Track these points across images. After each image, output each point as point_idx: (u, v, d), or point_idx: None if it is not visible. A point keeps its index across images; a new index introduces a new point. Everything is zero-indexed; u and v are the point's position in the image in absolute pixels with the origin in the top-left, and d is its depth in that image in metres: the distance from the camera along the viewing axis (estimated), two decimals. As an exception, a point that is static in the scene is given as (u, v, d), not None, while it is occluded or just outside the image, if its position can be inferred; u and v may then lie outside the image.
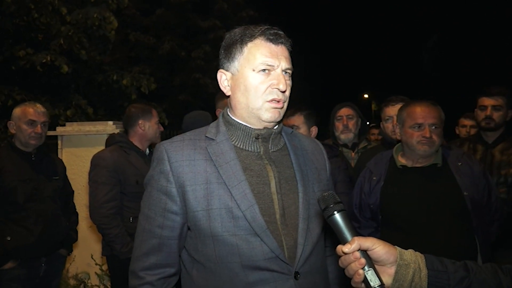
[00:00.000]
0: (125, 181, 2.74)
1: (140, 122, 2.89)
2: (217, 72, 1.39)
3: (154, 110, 2.99)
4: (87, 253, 4.15)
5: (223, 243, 1.22)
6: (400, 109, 2.17)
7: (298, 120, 2.67)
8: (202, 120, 3.18)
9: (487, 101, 2.82)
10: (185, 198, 1.26)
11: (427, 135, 1.99)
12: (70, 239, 2.87)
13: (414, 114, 2.05)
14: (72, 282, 4.18)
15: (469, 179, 2.02)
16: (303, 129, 2.67)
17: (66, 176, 2.95)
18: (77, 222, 3.00)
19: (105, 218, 2.67)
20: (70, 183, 3.02)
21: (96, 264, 4.03)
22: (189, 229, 1.30)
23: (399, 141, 2.71)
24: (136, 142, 2.90)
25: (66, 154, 4.30)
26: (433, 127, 2.02)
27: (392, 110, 2.74)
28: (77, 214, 3.02)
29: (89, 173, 2.78)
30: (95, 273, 4.06)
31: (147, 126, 2.89)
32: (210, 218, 1.23)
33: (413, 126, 2.04)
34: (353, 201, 2.27)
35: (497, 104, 2.79)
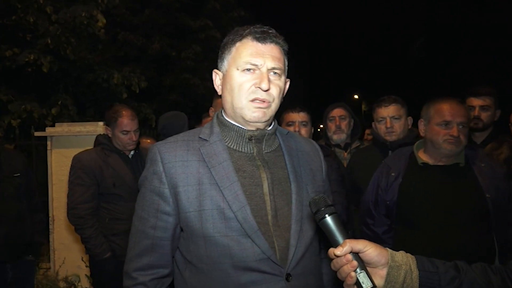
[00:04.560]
0: (102, 183, 2.75)
1: (106, 127, 2.90)
2: (210, 72, 1.40)
3: (122, 119, 2.81)
4: (77, 256, 4.12)
5: (215, 244, 1.22)
6: (426, 105, 2.08)
7: (306, 117, 2.67)
8: (178, 119, 3.20)
9: (475, 102, 2.84)
10: (177, 199, 1.26)
11: (455, 134, 1.92)
12: (36, 243, 2.75)
13: (442, 111, 1.97)
14: (62, 284, 4.13)
15: (492, 181, 1.96)
16: (309, 127, 2.68)
17: (28, 171, 2.77)
18: (43, 221, 2.88)
19: (79, 218, 2.68)
20: (33, 178, 2.84)
21: (87, 266, 3.99)
22: (182, 230, 1.30)
23: (391, 141, 2.73)
24: (117, 145, 2.89)
25: (55, 155, 4.25)
26: (461, 126, 1.95)
27: (384, 111, 2.75)
28: (44, 212, 2.89)
29: (69, 174, 2.79)
30: (86, 275, 4.02)
31: (111, 134, 2.87)
32: (202, 219, 1.23)
33: (440, 124, 1.96)
34: (368, 197, 2.21)
35: (485, 104, 2.81)
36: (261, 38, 1.27)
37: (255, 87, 1.26)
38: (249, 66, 1.26)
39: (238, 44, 1.29)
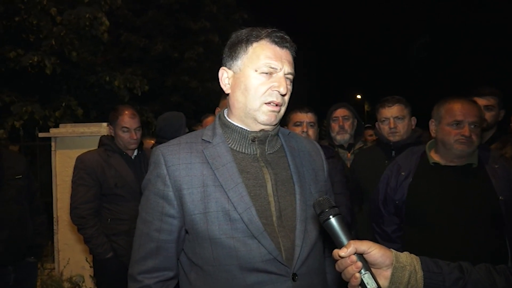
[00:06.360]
0: (104, 183, 2.77)
1: (109, 127, 2.94)
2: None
3: (123, 116, 2.85)
4: (81, 256, 4.13)
5: (221, 245, 1.22)
6: (437, 105, 2.04)
7: (313, 118, 2.65)
8: (174, 121, 3.22)
9: (479, 101, 2.79)
10: (182, 201, 1.26)
11: (467, 133, 1.87)
12: (37, 245, 2.73)
13: (453, 110, 1.93)
14: (66, 285, 4.15)
15: (506, 182, 1.90)
16: (316, 128, 2.68)
17: (29, 173, 2.74)
18: (44, 223, 2.86)
19: (81, 218, 2.71)
20: (33, 180, 2.82)
21: (91, 266, 4.00)
22: (187, 232, 1.30)
23: (395, 142, 2.73)
24: (119, 144, 2.91)
25: (59, 156, 4.27)
26: (473, 126, 1.89)
27: (388, 112, 2.74)
28: (45, 214, 2.88)
29: (72, 175, 2.82)
30: (90, 275, 4.04)
31: (113, 132, 2.90)
32: (207, 221, 1.23)
33: (452, 124, 1.91)
34: (378, 195, 2.18)
35: (489, 104, 2.80)
36: (280, 42, 1.28)
37: (272, 90, 1.27)
38: (268, 69, 1.26)
39: (255, 44, 1.28)
